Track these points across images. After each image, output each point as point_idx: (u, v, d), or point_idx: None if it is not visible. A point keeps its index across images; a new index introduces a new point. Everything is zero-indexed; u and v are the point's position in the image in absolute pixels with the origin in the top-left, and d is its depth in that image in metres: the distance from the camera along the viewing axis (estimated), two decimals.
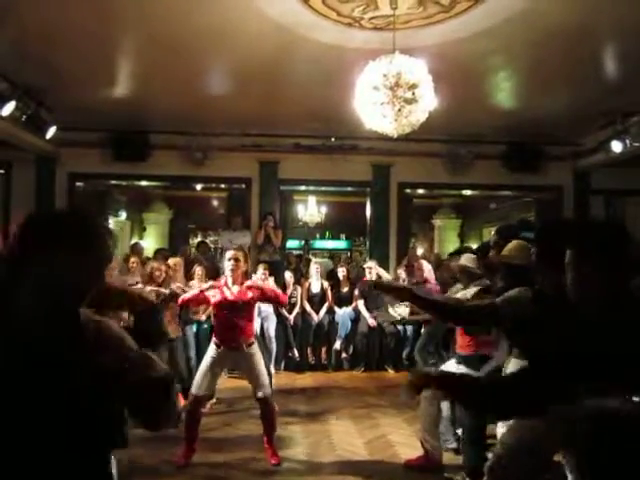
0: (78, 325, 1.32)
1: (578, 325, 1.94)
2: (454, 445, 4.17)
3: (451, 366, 3.90)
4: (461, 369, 3.72)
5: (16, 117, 6.01)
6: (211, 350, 4.10)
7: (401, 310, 7.38)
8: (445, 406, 4.15)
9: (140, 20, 4.54)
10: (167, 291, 5.02)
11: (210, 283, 4.27)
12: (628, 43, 4.81)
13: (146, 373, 1.34)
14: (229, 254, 4.20)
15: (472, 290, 3.78)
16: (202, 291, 4.20)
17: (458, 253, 5.18)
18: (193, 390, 4.02)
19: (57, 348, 1.25)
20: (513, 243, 2.81)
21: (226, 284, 4.12)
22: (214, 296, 4.10)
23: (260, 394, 4.01)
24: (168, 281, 5.24)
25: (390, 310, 7.44)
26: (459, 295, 3.89)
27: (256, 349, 4.16)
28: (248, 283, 4.22)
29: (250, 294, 4.10)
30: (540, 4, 4.09)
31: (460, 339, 3.88)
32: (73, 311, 1.34)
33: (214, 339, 4.14)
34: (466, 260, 4.08)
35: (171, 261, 5.93)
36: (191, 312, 6.16)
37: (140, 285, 5.23)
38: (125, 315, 4.62)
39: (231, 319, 4.05)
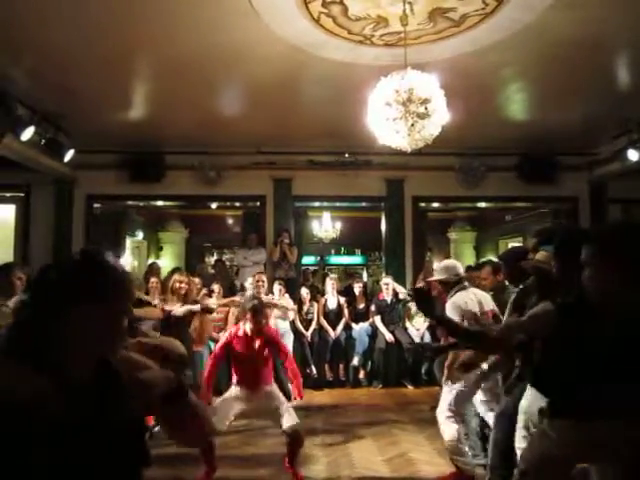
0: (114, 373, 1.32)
1: (605, 333, 1.94)
2: (483, 461, 4.12)
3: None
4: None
5: (35, 141, 6.14)
6: (232, 390, 4.13)
7: (419, 324, 7.34)
8: (475, 422, 4.11)
9: (153, 43, 4.63)
10: (198, 307, 5.21)
11: (230, 331, 4.25)
12: None
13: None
14: (256, 308, 4.03)
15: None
16: (222, 348, 4.17)
17: (478, 268, 5.14)
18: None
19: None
20: (543, 254, 2.80)
21: (245, 334, 4.06)
22: (236, 345, 4.08)
23: (288, 425, 3.88)
24: (190, 294, 5.31)
25: (407, 324, 7.40)
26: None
27: (274, 386, 4.20)
28: (271, 325, 4.26)
29: (267, 351, 4.12)
30: (549, 17, 4.10)
31: None
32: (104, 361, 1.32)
33: (234, 378, 4.17)
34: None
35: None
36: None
37: (157, 302, 5.29)
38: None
39: (249, 366, 4.07)
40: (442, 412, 3.87)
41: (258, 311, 4.04)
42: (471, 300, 3.86)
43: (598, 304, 2.02)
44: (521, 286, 3.48)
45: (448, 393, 3.86)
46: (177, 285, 5.26)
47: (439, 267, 4.12)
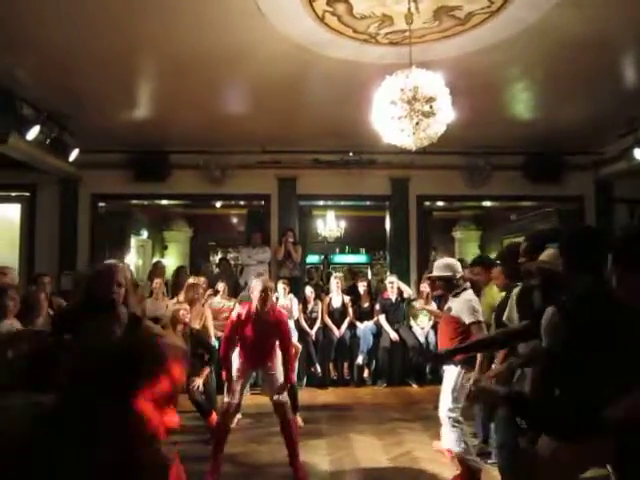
0: None
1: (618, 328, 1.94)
2: (493, 460, 4.12)
3: None
4: None
5: (40, 141, 6.17)
6: (236, 362, 4.20)
7: (423, 323, 7.33)
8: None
9: (158, 43, 4.63)
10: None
11: (237, 311, 4.24)
12: None
13: None
14: (264, 285, 4.06)
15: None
16: (230, 328, 4.19)
17: (480, 263, 5.12)
18: (226, 398, 4.09)
19: None
20: (549, 251, 2.78)
21: (253, 313, 4.07)
22: (243, 324, 4.10)
23: (276, 397, 4.10)
24: (193, 319, 5.25)
25: (412, 323, 7.39)
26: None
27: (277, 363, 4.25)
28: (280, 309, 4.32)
29: (273, 332, 4.13)
30: (555, 15, 4.08)
31: None
32: None
33: (239, 353, 4.21)
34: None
35: (191, 280, 5.98)
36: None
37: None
38: None
39: (255, 348, 4.14)
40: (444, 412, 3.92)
41: (265, 288, 4.06)
42: (475, 299, 3.98)
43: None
44: (519, 284, 3.47)
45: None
46: (181, 313, 5.15)
47: (440, 264, 4.15)
